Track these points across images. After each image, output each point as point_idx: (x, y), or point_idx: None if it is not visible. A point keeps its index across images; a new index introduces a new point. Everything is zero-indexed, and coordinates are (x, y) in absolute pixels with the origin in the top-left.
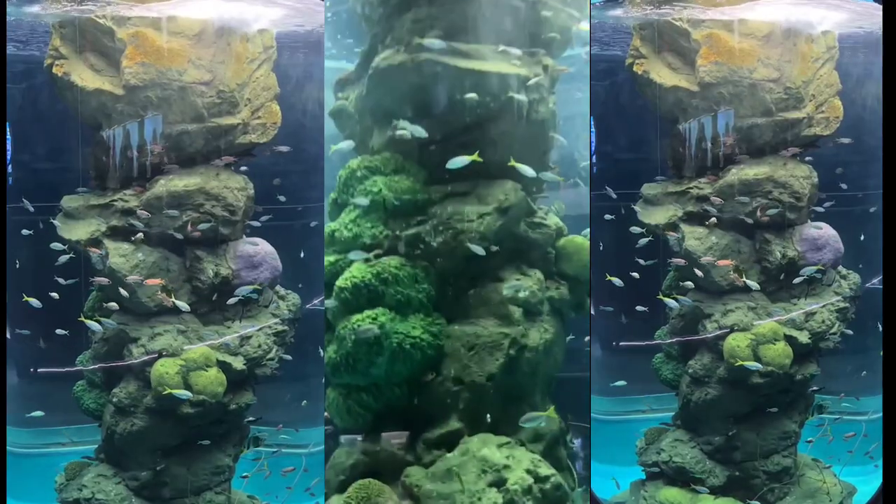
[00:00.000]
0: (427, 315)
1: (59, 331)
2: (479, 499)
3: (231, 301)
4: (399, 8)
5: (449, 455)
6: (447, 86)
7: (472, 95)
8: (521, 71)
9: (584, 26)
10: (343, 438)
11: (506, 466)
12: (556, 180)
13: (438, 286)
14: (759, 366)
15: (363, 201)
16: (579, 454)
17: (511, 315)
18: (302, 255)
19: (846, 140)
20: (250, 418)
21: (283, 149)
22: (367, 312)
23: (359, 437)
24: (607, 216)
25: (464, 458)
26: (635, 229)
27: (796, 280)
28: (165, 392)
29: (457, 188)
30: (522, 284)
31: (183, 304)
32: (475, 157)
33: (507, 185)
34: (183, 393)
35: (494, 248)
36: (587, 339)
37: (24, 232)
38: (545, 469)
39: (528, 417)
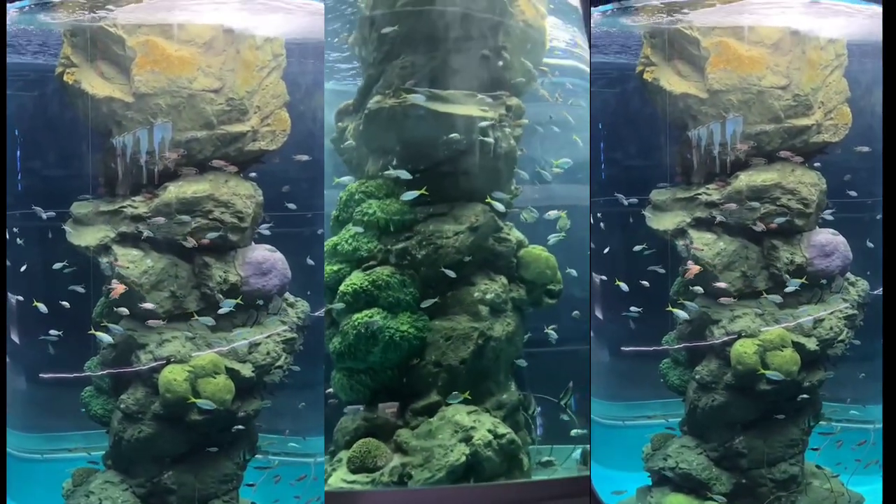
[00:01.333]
0: (413, 313)
1: (52, 332)
2: (452, 450)
3: (221, 311)
4: (389, 55)
5: (430, 420)
6: (428, 126)
7: (454, 136)
8: (489, 114)
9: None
10: (347, 408)
11: (472, 427)
12: (506, 198)
13: (422, 290)
14: (781, 375)
15: (360, 229)
16: (539, 420)
17: (480, 312)
18: (313, 262)
19: (865, 149)
20: (238, 426)
21: (304, 157)
22: (365, 312)
23: (360, 408)
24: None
25: (441, 422)
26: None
27: (787, 289)
28: (189, 401)
29: (437, 210)
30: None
31: (208, 319)
32: (423, 191)
33: (478, 208)
34: (206, 403)
35: (468, 259)
36: (550, 329)
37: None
38: (503, 429)
39: (452, 396)
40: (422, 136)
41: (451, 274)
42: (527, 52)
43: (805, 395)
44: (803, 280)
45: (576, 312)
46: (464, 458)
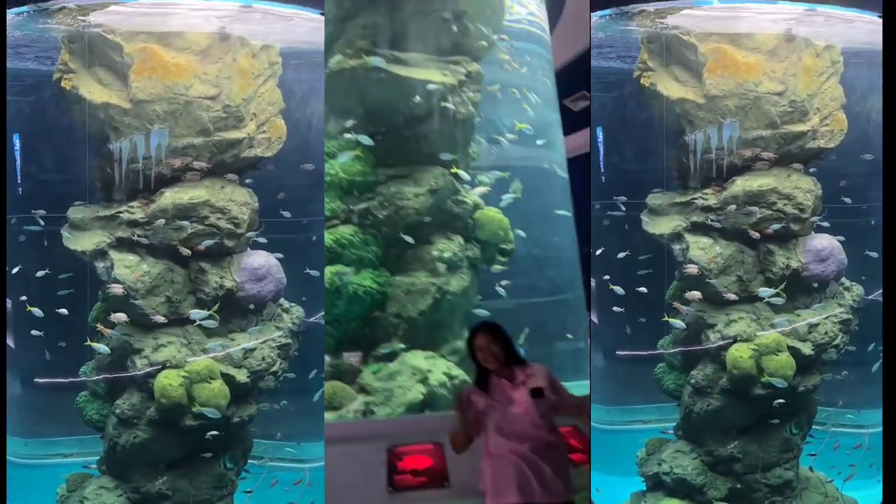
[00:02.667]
0: (375, 269)
1: (34, 332)
2: (410, 390)
3: (194, 318)
4: (350, 13)
5: (390, 364)
6: (389, 90)
7: (417, 99)
8: (448, 79)
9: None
10: None
11: (429, 370)
12: (454, 158)
13: (384, 248)
14: (784, 382)
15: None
16: None
17: (438, 269)
18: (318, 273)
19: (869, 156)
20: (214, 432)
21: (309, 166)
22: (329, 268)
23: (327, 356)
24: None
25: (401, 367)
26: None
27: (762, 296)
28: (195, 409)
29: (398, 172)
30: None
31: (211, 322)
32: (358, 151)
33: (437, 171)
34: (211, 411)
35: (427, 220)
36: (500, 286)
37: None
38: (456, 371)
39: (386, 345)
40: (383, 99)
41: (410, 240)
42: (486, 18)
43: (782, 400)
44: (779, 290)
45: (495, 266)
46: (421, 397)
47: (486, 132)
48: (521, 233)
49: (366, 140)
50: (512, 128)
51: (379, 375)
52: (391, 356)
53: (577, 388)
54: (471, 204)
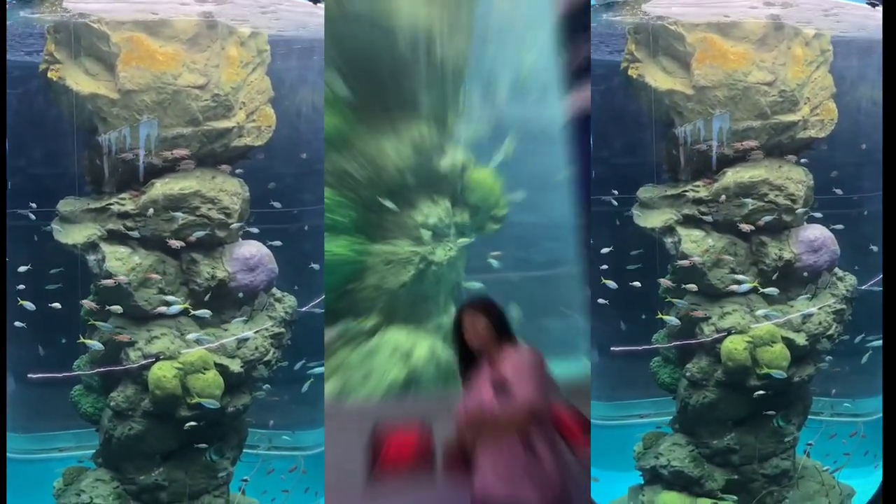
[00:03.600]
0: (351, 236)
1: (17, 323)
2: (390, 371)
3: (171, 311)
4: None
5: (369, 341)
6: (369, 32)
7: (401, 42)
8: (434, 13)
9: None
10: None
11: (411, 348)
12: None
13: (363, 212)
14: (784, 374)
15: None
16: None
17: (422, 237)
18: (317, 267)
19: (865, 146)
20: (193, 423)
21: (303, 156)
22: None
23: None
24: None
25: (380, 343)
26: None
27: (739, 289)
28: (193, 401)
29: (379, 127)
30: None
31: (204, 312)
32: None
33: (422, 126)
34: (210, 402)
35: (411, 180)
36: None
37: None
38: (440, 347)
39: (344, 321)
40: (362, 42)
41: (391, 205)
42: None
43: (762, 392)
44: (755, 283)
45: (461, 240)
46: (402, 376)
47: (477, 83)
48: (517, 196)
49: (343, 91)
50: (506, 80)
51: (357, 353)
52: (363, 333)
53: (569, 367)
54: (458, 164)
